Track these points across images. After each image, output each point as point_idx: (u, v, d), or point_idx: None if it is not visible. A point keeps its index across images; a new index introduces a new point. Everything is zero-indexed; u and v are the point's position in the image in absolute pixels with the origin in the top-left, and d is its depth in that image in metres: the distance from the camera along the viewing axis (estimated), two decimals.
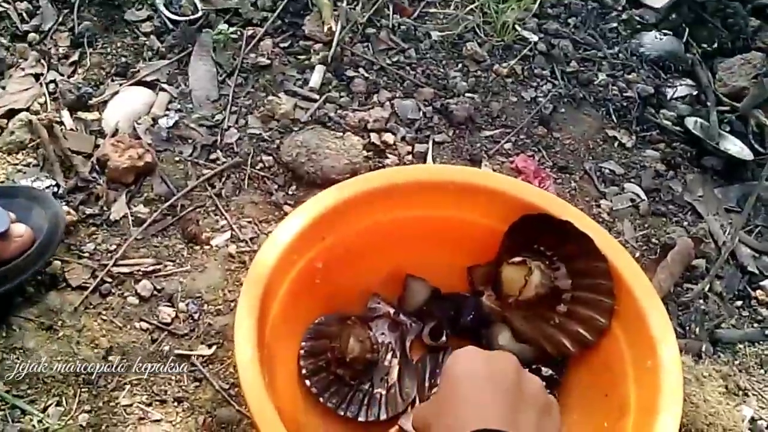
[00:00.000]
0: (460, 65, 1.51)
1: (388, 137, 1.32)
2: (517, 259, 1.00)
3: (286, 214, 1.18)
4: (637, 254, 1.26)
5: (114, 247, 1.12)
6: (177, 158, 1.25)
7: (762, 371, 1.16)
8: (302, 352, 0.98)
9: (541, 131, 1.41)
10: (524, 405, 0.64)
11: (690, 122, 1.48)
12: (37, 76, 1.35)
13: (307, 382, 0.96)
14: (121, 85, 1.35)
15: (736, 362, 1.16)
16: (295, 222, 0.93)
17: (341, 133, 1.29)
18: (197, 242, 1.14)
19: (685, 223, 1.33)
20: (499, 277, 1.02)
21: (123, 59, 1.40)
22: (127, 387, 0.99)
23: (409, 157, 1.32)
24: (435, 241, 1.05)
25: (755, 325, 1.22)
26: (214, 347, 1.04)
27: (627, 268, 0.96)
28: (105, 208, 1.16)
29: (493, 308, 1.04)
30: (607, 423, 0.93)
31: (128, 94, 1.33)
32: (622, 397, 0.91)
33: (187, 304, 1.07)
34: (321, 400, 0.96)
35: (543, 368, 1.00)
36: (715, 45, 1.67)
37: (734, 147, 1.47)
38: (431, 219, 1.04)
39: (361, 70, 1.45)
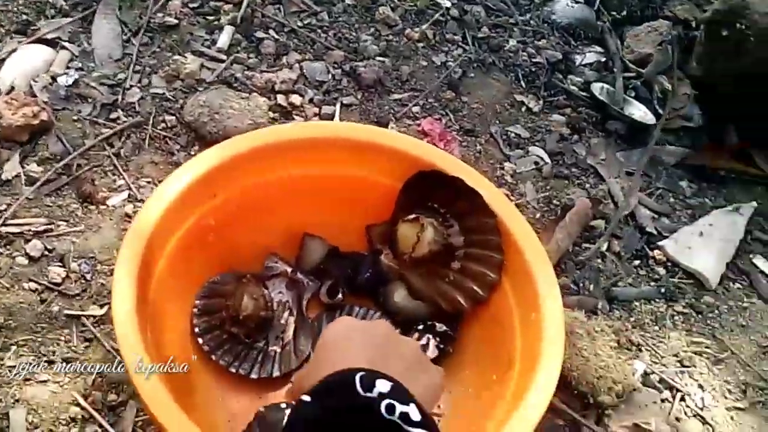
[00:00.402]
0: (372, 29, 1.51)
1: (296, 99, 1.32)
2: (411, 216, 1.01)
3: None
4: (538, 215, 1.28)
5: (4, 207, 1.09)
6: (75, 117, 1.22)
7: (656, 327, 1.20)
8: (195, 310, 0.98)
9: (449, 95, 1.43)
10: (395, 358, 0.66)
11: (596, 88, 1.51)
12: None
13: (200, 340, 0.96)
14: (20, 42, 1.32)
15: (631, 319, 1.20)
16: (183, 178, 0.91)
17: (247, 94, 1.28)
18: (92, 202, 1.12)
19: (587, 186, 1.36)
20: (394, 234, 1.04)
21: (24, 17, 1.36)
22: (13, 348, 0.97)
23: (316, 119, 1.32)
24: (333, 199, 1.05)
25: (652, 283, 1.26)
26: (106, 307, 1.02)
27: (517, 226, 0.98)
28: None
29: (391, 266, 1.05)
30: (496, 376, 0.95)
31: (27, 52, 1.30)
32: (509, 351, 0.93)
33: (79, 264, 1.06)
34: (213, 357, 0.96)
35: (438, 324, 1.01)
36: (625, 13, 1.70)
37: (638, 112, 1.51)
38: (329, 177, 1.04)
39: (271, 31, 1.44)
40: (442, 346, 1.00)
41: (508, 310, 0.97)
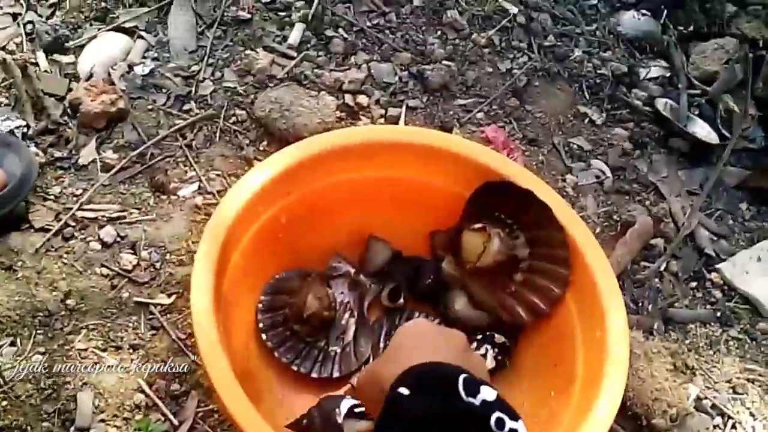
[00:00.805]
0: (438, 32, 1.51)
1: (363, 99, 1.33)
2: (478, 225, 1.02)
3: None
4: (598, 230, 1.28)
5: (80, 191, 1.12)
6: (150, 106, 1.25)
7: (711, 352, 1.19)
8: (260, 306, 1.00)
9: (513, 103, 1.43)
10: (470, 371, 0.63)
11: (660, 103, 1.50)
12: (15, 16, 1.35)
13: (264, 336, 0.98)
14: (99, 29, 1.35)
15: (687, 341, 1.19)
16: (261, 174, 0.93)
17: (316, 92, 1.30)
18: (164, 192, 1.15)
19: (648, 203, 1.36)
20: (459, 242, 1.04)
21: (103, 4, 1.39)
22: (83, 331, 1.00)
23: (382, 120, 1.33)
24: (399, 203, 1.06)
25: (708, 306, 1.25)
26: (174, 297, 1.05)
27: (583, 240, 0.98)
28: (74, 152, 1.17)
29: (453, 274, 1.06)
30: (554, 392, 0.95)
31: (105, 40, 1.33)
32: (570, 367, 0.94)
33: (149, 253, 1.08)
34: (276, 354, 0.97)
35: (496, 335, 1.02)
36: (692, 28, 1.68)
37: (701, 131, 1.49)
38: (397, 181, 1.05)
39: (340, 30, 1.45)
40: (499, 357, 1.01)
41: (570, 326, 0.97)
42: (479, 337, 1.02)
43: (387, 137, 1.04)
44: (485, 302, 1.03)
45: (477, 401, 0.52)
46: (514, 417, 0.52)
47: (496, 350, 1.01)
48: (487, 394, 0.53)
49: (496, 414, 0.51)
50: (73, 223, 1.09)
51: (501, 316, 1.01)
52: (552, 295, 0.99)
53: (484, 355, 1.01)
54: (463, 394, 0.53)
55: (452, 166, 1.04)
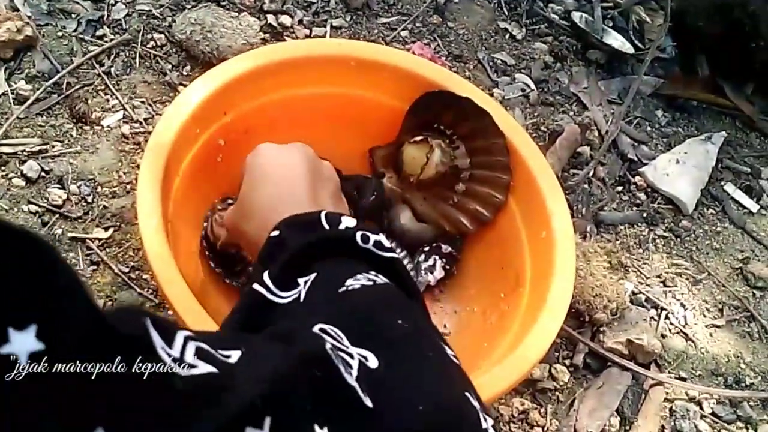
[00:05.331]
0: None
1: (285, 19, 1.29)
2: (418, 137, 1.01)
3: None
4: None
5: None
6: (60, 33, 1.16)
7: (640, 250, 1.24)
8: (204, 232, 0.97)
9: (436, 20, 1.42)
10: (321, 183, 0.72)
11: (576, 16, 1.52)
12: None
13: (212, 263, 0.95)
14: None
15: (618, 242, 1.24)
16: (195, 94, 0.89)
17: (236, 13, 1.24)
18: (87, 122, 1.08)
19: (571, 113, 1.38)
20: (400, 157, 1.04)
21: None
22: None
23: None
24: (336, 121, 1.04)
25: (634, 208, 1.30)
26: (111, 230, 1.00)
27: (523, 144, 0.99)
28: None
29: (394, 190, 1.06)
30: (504, 294, 0.97)
31: None
32: (517, 269, 0.96)
33: (79, 186, 1.03)
34: (227, 280, 0.95)
35: (443, 245, 1.03)
36: None
37: (616, 41, 1.53)
38: (333, 97, 1.02)
39: None
40: (447, 267, 1.02)
41: (515, 229, 0.99)
42: (426, 249, 1.03)
43: (324, 51, 1.01)
44: (428, 215, 1.04)
45: (342, 227, 0.58)
46: (375, 232, 0.58)
47: (444, 260, 1.02)
48: (348, 222, 0.58)
49: (360, 232, 0.57)
50: None
51: (445, 227, 1.02)
52: (494, 202, 1.01)
53: (433, 266, 1.02)
54: (327, 226, 0.58)
55: (389, 79, 1.02)
